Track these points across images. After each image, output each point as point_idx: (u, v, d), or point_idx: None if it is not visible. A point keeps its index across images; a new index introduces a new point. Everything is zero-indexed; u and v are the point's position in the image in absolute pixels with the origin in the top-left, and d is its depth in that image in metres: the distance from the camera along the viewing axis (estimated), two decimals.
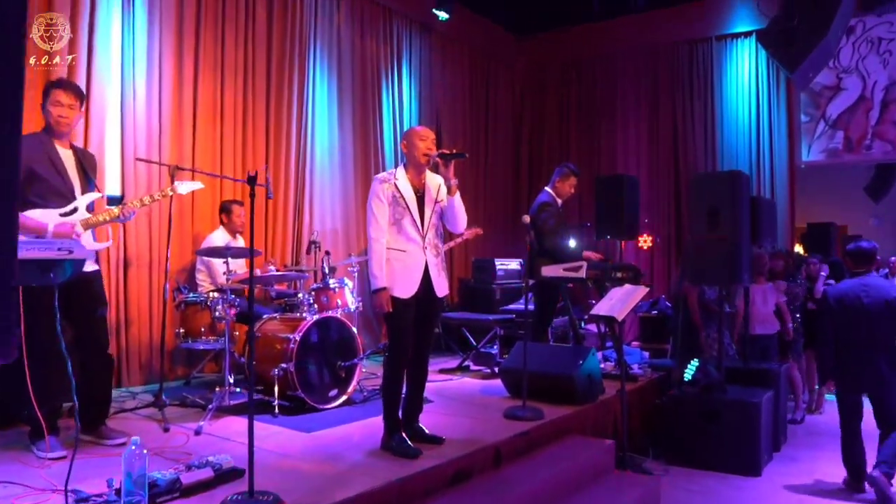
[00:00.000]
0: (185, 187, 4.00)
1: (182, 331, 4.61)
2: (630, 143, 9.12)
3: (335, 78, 7.10)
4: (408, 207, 3.64)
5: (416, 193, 3.68)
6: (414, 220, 3.64)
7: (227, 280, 4.48)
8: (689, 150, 8.69)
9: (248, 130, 6.20)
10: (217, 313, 4.47)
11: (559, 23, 9.49)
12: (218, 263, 5.23)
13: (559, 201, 5.96)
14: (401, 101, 7.99)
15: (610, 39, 9.26)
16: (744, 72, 8.43)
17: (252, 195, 2.89)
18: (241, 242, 5.63)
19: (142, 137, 5.37)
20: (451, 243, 6.93)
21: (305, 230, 6.63)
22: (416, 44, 8.23)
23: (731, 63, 8.52)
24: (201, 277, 5.35)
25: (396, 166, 3.83)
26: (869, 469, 4.33)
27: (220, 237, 5.35)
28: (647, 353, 6.97)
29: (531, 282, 5.84)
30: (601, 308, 4.84)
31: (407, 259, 3.60)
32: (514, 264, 8.24)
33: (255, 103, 6.29)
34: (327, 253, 6.17)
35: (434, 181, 3.78)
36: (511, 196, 9.91)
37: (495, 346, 6.79)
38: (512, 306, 6.94)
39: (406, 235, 3.62)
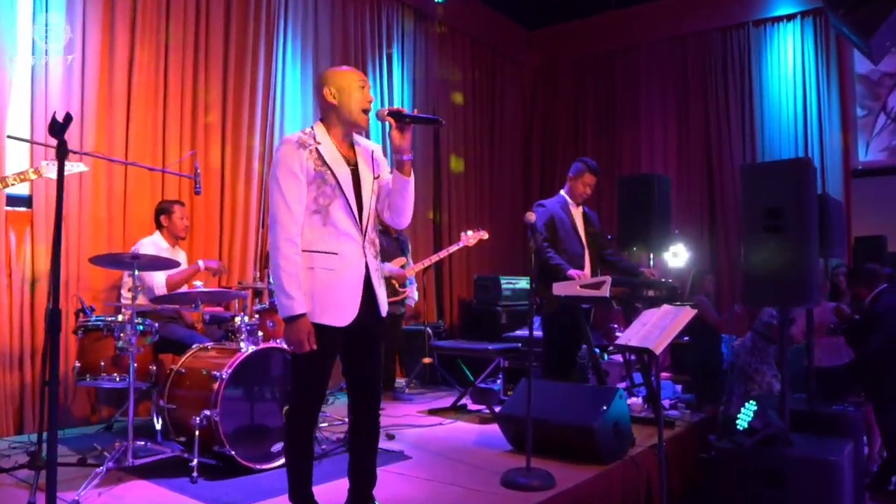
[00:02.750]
0: (52, 169, 2.92)
1: (78, 365, 3.51)
2: (656, 144, 7.98)
3: (310, 63, 6.04)
4: (339, 186, 2.49)
5: (348, 166, 2.56)
6: (348, 206, 2.51)
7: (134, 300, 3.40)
8: (724, 151, 7.55)
9: (198, 120, 5.15)
10: (120, 343, 3.37)
11: (573, 13, 8.42)
12: (157, 275, 4.16)
13: (571, 204, 4.84)
14: (391, 95, 6.92)
15: (630, 30, 8.18)
16: (787, 60, 7.30)
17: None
18: (180, 254, 4.56)
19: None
20: (445, 252, 5.80)
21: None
22: (409, 31, 7.17)
23: (772, 51, 7.40)
24: (128, 294, 4.23)
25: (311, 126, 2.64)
26: None
27: (150, 245, 4.26)
28: (679, 387, 5.82)
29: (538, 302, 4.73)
30: (631, 335, 3.69)
31: (340, 266, 2.48)
32: (522, 283, 7.13)
33: (210, 88, 5.25)
34: None
35: (366, 147, 2.67)
36: (519, 206, 8.72)
37: (498, 381, 5.66)
38: (519, 332, 5.78)
39: (336, 229, 2.48)
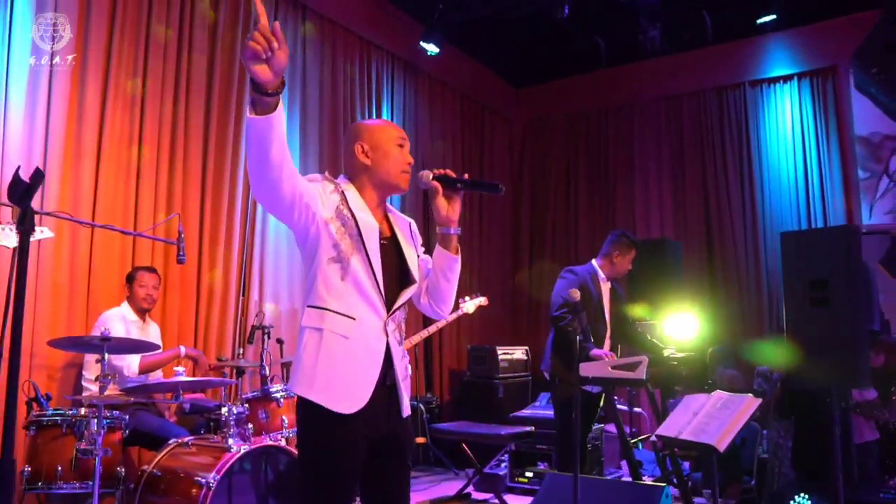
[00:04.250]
0: (9, 237, 2.39)
1: (29, 469, 2.89)
2: (652, 205, 7.67)
3: (297, 112, 5.58)
4: (361, 240, 2.01)
5: (380, 237, 2.08)
6: (370, 267, 2.01)
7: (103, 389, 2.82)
8: (723, 213, 7.27)
9: (175, 171, 4.62)
10: (82, 444, 2.78)
11: (563, 71, 8.20)
12: (130, 356, 3.59)
13: (602, 278, 4.41)
14: None
15: (623, 88, 7.95)
16: (785, 121, 7.12)
17: None
18: (152, 327, 3.99)
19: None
20: (444, 322, 5.29)
21: (253, 311, 4.98)
22: (398, 83, 6.81)
23: (770, 111, 7.22)
24: (92, 384, 3.61)
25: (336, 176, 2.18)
26: None
27: (118, 320, 3.69)
28: (687, 464, 5.37)
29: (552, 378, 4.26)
30: (680, 426, 3.24)
31: (357, 334, 1.98)
32: (518, 352, 6.66)
33: (189, 141, 4.74)
34: (279, 342, 4.57)
35: (402, 218, 2.24)
36: (509, 268, 8.34)
37: (503, 464, 5.13)
38: (527, 412, 5.26)
39: (357, 289, 2.00)
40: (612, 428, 5.37)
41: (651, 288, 5.44)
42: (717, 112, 7.48)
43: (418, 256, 2.19)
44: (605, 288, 4.38)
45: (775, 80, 7.22)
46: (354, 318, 1.98)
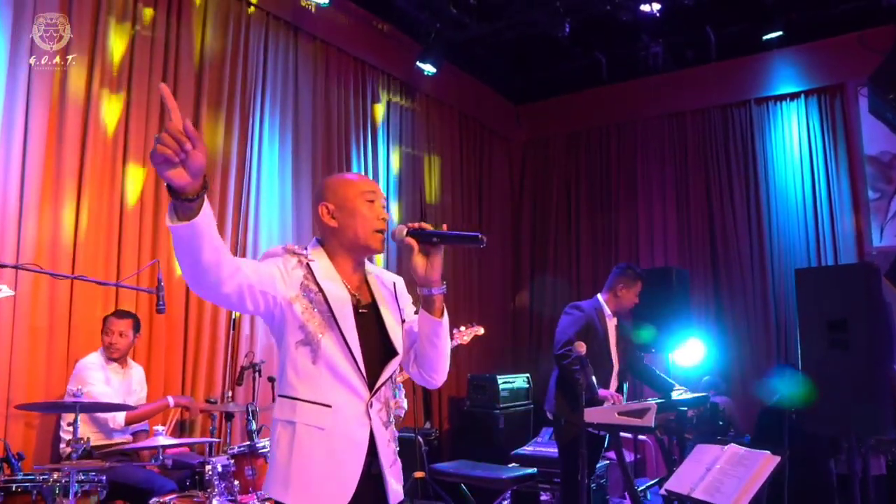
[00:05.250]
0: None
1: None
2: (656, 226, 7.46)
3: (290, 136, 5.38)
4: (332, 316, 1.81)
5: (352, 298, 1.89)
6: (345, 345, 1.81)
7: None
8: (729, 236, 7.06)
9: (160, 208, 4.43)
10: None
11: (564, 88, 8.01)
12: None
13: (607, 314, 4.23)
14: (375, 168, 6.28)
15: (625, 106, 7.75)
16: (792, 139, 6.93)
17: None
18: (134, 370, 3.79)
19: None
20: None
21: (243, 348, 4.78)
22: (395, 103, 6.61)
23: (776, 130, 7.03)
24: (66, 436, 3.39)
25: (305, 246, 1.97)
26: None
27: (95, 367, 3.49)
28: None
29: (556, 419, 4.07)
30: (693, 482, 3.04)
31: (333, 424, 1.78)
32: (520, 381, 6.47)
33: None
34: (271, 380, 4.37)
35: (382, 280, 2.02)
36: (509, 292, 8.12)
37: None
38: (528, 449, 5.04)
39: (332, 372, 1.80)
40: (613, 455, 5.19)
41: (657, 317, 5.25)
42: (723, 130, 7.29)
43: (403, 321, 1.99)
44: (611, 325, 4.20)
45: (782, 97, 7.03)
46: (330, 406, 1.78)
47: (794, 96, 6.98)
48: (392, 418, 1.95)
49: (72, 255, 3.90)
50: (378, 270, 2.05)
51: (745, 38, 6.87)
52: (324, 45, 5.78)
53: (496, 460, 5.34)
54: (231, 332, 4.81)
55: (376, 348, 1.88)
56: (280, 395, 1.81)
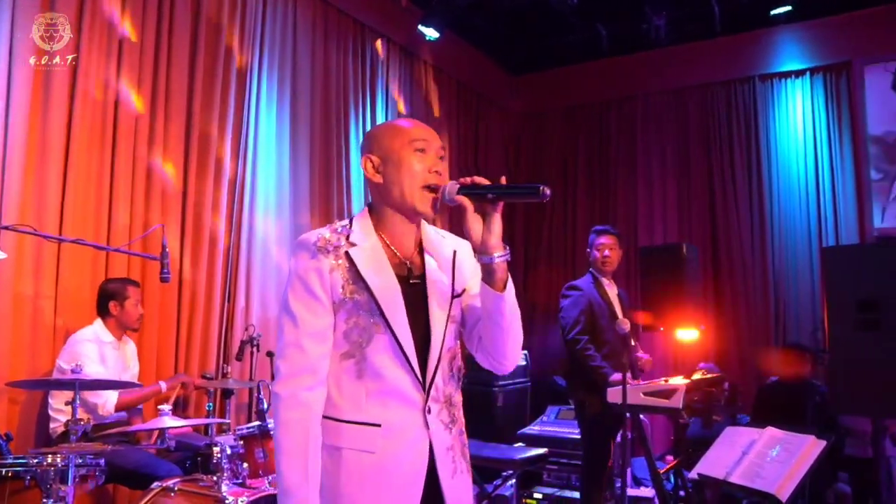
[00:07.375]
0: None
1: None
2: (655, 203, 7.32)
3: (287, 98, 5.10)
4: (381, 314, 1.59)
5: (404, 278, 1.65)
6: (398, 347, 1.59)
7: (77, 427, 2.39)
8: (730, 214, 6.94)
9: (154, 173, 4.16)
10: (50, 500, 2.36)
11: (563, 60, 7.79)
12: (106, 393, 3.16)
13: (605, 283, 4.13)
14: None
15: (626, 80, 7.55)
16: (796, 117, 6.81)
17: None
18: (129, 346, 3.55)
19: None
20: None
21: (239, 320, 4.54)
22: (394, 68, 6.35)
23: (780, 107, 6.91)
24: (57, 416, 3.16)
25: (350, 217, 1.75)
26: None
27: (90, 342, 3.24)
28: None
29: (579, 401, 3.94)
30: (728, 466, 2.90)
31: (385, 446, 1.58)
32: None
33: (169, 134, 4.27)
34: (269, 355, 4.17)
35: (441, 247, 1.74)
36: None
37: (510, 484, 4.80)
38: (535, 429, 4.90)
39: (381, 385, 1.59)
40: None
41: (663, 300, 5.12)
42: (725, 107, 7.13)
43: (458, 295, 1.70)
44: (613, 294, 4.14)
45: (786, 74, 6.90)
46: (380, 425, 1.57)
47: (799, 73, 6.85)
48: (455, 420, 1.72)
49: (59, 217, 3.62)
50: (440, 235, 1.79)
51: (751, 12, 6.71)
52: (323, 6, 5.49)
53: (495, 438, 5.21)
54: (226, 303, 4.58)
55: (425, 334, 1.64)
56: (324, 417, 1.59)
